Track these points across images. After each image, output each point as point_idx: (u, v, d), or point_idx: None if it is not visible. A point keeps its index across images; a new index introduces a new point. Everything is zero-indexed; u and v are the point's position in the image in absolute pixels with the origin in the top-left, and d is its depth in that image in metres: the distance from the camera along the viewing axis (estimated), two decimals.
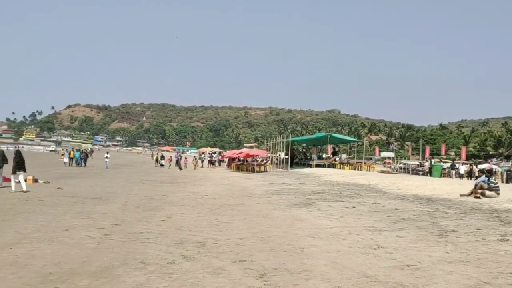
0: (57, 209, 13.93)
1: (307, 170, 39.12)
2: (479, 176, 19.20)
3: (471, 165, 49.24)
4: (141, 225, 11.34)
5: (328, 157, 48.81)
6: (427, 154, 78.38)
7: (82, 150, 55.90)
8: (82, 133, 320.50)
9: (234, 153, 57.86)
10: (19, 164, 19.50)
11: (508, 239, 9.34)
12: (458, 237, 9.67)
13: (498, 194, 16.88)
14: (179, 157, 54.70)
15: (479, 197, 16.58)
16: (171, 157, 56.94)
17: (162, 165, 55.49)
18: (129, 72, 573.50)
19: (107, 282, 6.38)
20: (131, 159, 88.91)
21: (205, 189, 23.10)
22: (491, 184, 17.30)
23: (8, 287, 6.13)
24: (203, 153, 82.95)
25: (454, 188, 20.06)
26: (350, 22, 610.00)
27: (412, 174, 49.82)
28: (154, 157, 63.56)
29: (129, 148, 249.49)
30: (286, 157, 45.78)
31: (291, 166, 43.62)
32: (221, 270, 7.03)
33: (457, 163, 54.02)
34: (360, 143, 63.50)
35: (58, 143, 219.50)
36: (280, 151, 53.06)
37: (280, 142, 54.28)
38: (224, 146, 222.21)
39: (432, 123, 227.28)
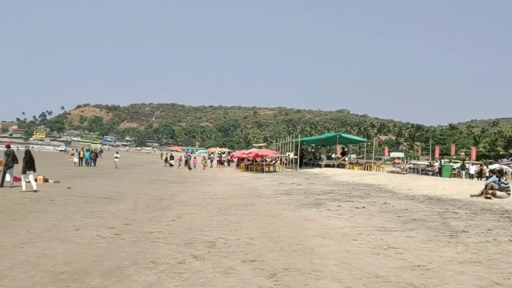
0: (68, 209, 13.98)
1: (316, 170, 39.08)
2: (490, 177, 19.14)
3: (481, 165, 49.07)
4: (151, 224, 11.36)
5: (337, 157, 48.73)
6: (436, 155, 78.09)
7: (92, 150, 56.05)
8: (92, 133, 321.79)
9: (243, 153, 57.90)
10: (29, 164, 19.60)
11: None
12: (469, 238, 9.63)
13: (509, 194, 16.80)
14: (188, 157, 54.78)
15: (489, 198, 16.50)
16: (180, 157, 57.01)
17: (171, 165, 55.62)
18: (139, 72, 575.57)
19: (118, 282, 6.40)
20: (140, 159, 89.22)
21: (215, 189, 23.12)
22: (501, 184, 17.22)
23: (20, 286, 6.15)
24: (212, 153, 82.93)
25: (465, 188, 19.96)
26: (359, 22, 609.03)
27: (422, 174, 49.68)
28: (163, 157, 63.72)
29: (139, 148, 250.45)
30: (295, 157, 45.73)
31: (300, 166, 43.58)
32: (232, 270, 7.03)
33: (467, 163, 53.78)
34: (369, 143, 63.42)
35: (67, 143, 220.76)
36: (289, 151, 53.01)
37: (289, 142, 54.20)
38: (233, 146, 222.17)
39: (442, 123, 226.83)
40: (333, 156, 50.12)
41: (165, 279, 6.56)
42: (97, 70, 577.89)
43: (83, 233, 9.91)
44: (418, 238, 9.69)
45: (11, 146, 23.73)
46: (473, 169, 44.69)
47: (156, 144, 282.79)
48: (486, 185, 17.52)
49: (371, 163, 47.11)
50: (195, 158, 60.40)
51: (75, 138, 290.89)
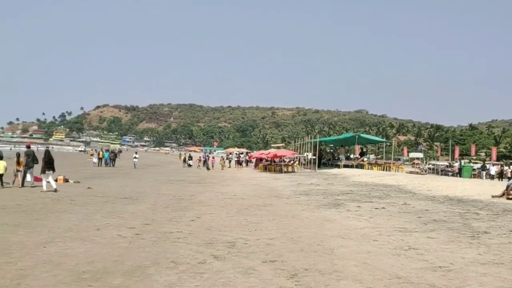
0: (88, 209, 14.10)
1: (335, 170, 38.99)
2: (511, 177, 18.92)
3: (502, 166, 48.53)
4: (171, 225, 11.42)
5: (356, 157, 48.56)
6: (456, 155, 77.43)
7: (111, 151, 56.40)
8: (111, 133, 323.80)
9: (261, 154, 57.88)
10: (48, 164, 19.81)
11: None
12: (491, 239, 9.54)
13: None
14: (206, 158, 54.90)
15: (511, 199, 16.33)
16: (200, 157, 57.18)
17: (190, 165, 55.70)
18: (157, 73, 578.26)
19: (139, 281, 6.44)
20: (159, 159, 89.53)
21: (233, 190, 23.16)
22: None
23: (43, 285, 6.21)
24: (230, 153, 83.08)
25: (485, 189, 19.78)
26: (378, 23, 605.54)
27: (441, 175, 49.26)
28: (182, 158, 63.85)
29: (157, 148, 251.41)
30: (314, 157, 45.63)
31: (318, 166, 43.49)
32: (252, 270, 7.04)
33: (487, 163, 53.25)
34: (388, 144, 62.98)
35: (87, 144, 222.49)
36: (307, 152, 52.92)
37: (307, 142, 54.12)
38: (251, 146, 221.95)
39: (462, 123, 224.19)
40: (351, 156, 49.94)
41: (186, 279, 6.59)
42: (116, 70, 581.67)
43: (104, 233, 9.99)
44: (439, 239, 9.63)
45: (31, 146, 23.97)
46: (493, 170, 44.15)
47: (174, 145, 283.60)
48: (508, 186, 17.35)
49: (390, 163, 46.87)
50: (213, 158, 60.46)
51: (94, 139, 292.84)
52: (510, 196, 16.48)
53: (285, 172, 41.41)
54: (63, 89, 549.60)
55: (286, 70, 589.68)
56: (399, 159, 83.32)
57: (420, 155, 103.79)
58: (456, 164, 55.45)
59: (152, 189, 22.10)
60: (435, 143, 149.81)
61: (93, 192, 19.67)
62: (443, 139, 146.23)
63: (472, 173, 45.12)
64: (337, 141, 57.22)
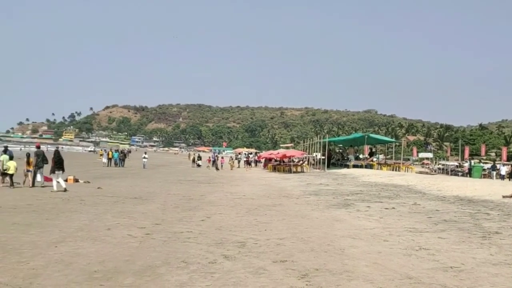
0: (98, 209, 14.16)
1: (344, 170, 38.94)
2: None
3: None
4: (181, 224, 11.44)
5: (365, 157, 48.46)
6: (466, 155, 77.02)
7: (121, 151, 56.56)
8: (120, 133, 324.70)
9: (270, 154, 57.88)
10: (58, 164, 19.92)
11: None
12: (502, 239, 9.51)
13: None
14: (215, 158, 54.95)
15: None
16: (209, 157, 57.27)
17: (199, 165, 55.79)
18: (166, 73, 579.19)
19: (150, 281, 6.46)
20: (168, 159, 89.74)
21: (243, 190, 23.18)
22: None
23: (55, 284, 6.25)
24: (239, 153, 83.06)
25: (496, 189, 19.68)
26: (388, 22, 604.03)
27: (451, 175, 49.05)
28: (191, 158, 63.95)
29: (166, 148, 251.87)
30: (323, 157, 45.57)
31: (328, 166, 43.45)
32: (263, 270, 7.05)
33: (498, 163, 52.94)
34: (397, 144, 62.76)
35: (96, 144, 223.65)
36: (316, 152, 52.86)
37: (316, 142, 54.05)
38: (260, 146, 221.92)
39: (472, 123, 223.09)
40: (361, 156, 49.84)
41: (197, 278, 6.61)
42: (125, 71, 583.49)
43: (115, 233, 10.03)
44: (450, 239, 9.59)
45: (41, 146, 24.10)
46: (504, 170, 43.85)
47: (183, 145, 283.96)
48: None
49: (399, 163, 46.72)
50: (222, 158, 60.52)
51: (104, 139, 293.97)
52: None
53: (294, 172, 41.41)
54: (73, 90, 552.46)
55: (295, 70, 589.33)
56: (409, 159, 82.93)
57: (430, 155, 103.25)
58: (466, 164, 55.14)
59: (161, 189, 22.17)
60: (445, 143, 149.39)
61: (103, 192, 19.76)
62: (452, 139, 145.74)
63: (482, 173, 44.85)
64: (346, 141, 57.13)
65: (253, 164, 61.53)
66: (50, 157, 21.08)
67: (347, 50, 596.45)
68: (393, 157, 54.18)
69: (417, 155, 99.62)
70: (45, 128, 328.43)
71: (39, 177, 21.31)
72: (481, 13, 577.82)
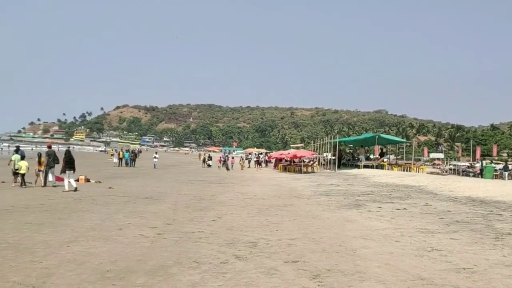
0: (110, 208, 14.22)
1: (355, 171, 38.82)
2: None
3: None
4: (193, 224, 11.47)
5: (376, 158, 48.29)
6: (478, 155, 76.56)
7: (131, 151, 56.71)
8: (130, 133, 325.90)
9: (281, 154, 57.84)
10: (69, 164, 20.04)
11: None
12: None
13: None
14: (226, 158, 54.97)
15: None
16: (220, 158, 57.33)
17: (209, 165, 55.78)
18: (176, 73, 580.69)
19: (163, 281, 6.49)
20: (178, 159, 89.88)
21: (253, 190, 23.18)
22: None
23: (68, 283, 6.28)
24: (249, 153, 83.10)
25: (508, 190, 19.52)
26: (398, 22, 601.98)
27: (462, 175, 48.77)
28: (201, 158, 64.01)
29: (176, 148, 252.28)
30: (333, 158, 45.45)
31: (338, 167, 43.34)
32: (274, 271, 7.04)
33: (510, 164, 52.59)
34: (408, 144, 62.45)
35: (107, 144, 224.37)
36: (327, 152, 52.74)
37: (326, 143, 53.96)
38: (270, 146, 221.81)
39: (483, 124, 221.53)
40: (371, 157, 49.67)
41: (209, 278, 6.62)
42: (136, 71, 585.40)
43: (126, 233, 10.07)
44: (462, 240, 9.54)
45: (52, 146, 24.24)
46: None
47: (193, 145, 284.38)
48: None
49: (410, 164, 46.53)
50: (232, 158, 60.55)
51: (114, 139, 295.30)
52: None
53: (304, 172, 41.37)
54: (84, 90, 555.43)
55: (305, 70, 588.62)
56: (420, 160, 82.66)
57: (441, 155, 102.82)
58: (478, 165, 54.82)
59: (172, 189, 22.22)
60: (456, 144, 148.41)
61: (114, 192, 19.84)
62: (464, 140, 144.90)
63: (494, 173, 44.54)
64: (356, 142, 56.95)
65: (263, 164, 61.48)
66: (61, 157, 21.20)
67: (358, 50, 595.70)
68: (404, 158, 53.79)
69: (428, 156, 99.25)
70: (56, 128, 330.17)
71: (50, 177, 21.45)
72: (490, 13, 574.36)
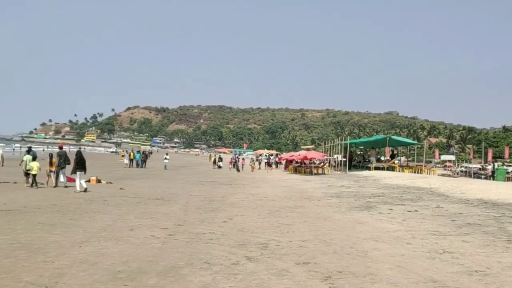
0: (121, 209, 14.28)
1: (365, 172, 38.70)
2: None
3: None
4: (203, 226, 11.49)
5: (387, 159, 48.12)
6: (489, 157, 76.10)
7: (142, 152, 56.85)
8: (141, 134, 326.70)
9: (291, 155, 57.79)
10: (79, 164, 20.17)
11: None
12: None
13: None
14: (236, 159, 54.99)
15: None
16: (231, 159, 57.37)
17: (219, 167, 55.79)
18: (187, 75, 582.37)
19: (174, 281, 6.51)
20: (188, 160, 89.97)
21: (264, 191, 23.17)
22: None
23: (80, 283, 6.32)
24: (260, 155, 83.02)
25: None
26: (410, 25, 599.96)
27: (474, 177, 48.50)
28: (212, 159, 64.06)
29: (187, 149, 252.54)
30: (344, 159, 45.34)
31: (349, 168, 43.21)
32: (286, 272, 7.05)
33: None
34: (419, 146, 62.11)
35: (118, 145, 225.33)
36: (337, 154, 52.61)
37: (337, 144, 53.83)
38: (281, 148, 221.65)
39: (495, 125, 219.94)
40: (382, 158, 49.50)
41: (220, 279, 6.64)
42: (147, 72, 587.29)
43: (138, 233, 10.11)
44: (474, 242, 9.49)
45: (64, 147, 24.38)
46: None
47: (204, 146, 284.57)
48: None
49: (421, 166, 46.34)
50: (243, 159, 60.59)
51: (125, 140, 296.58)
52: None
53: (315, 174, 41.33)
54: (95, 91, 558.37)
55: (316, 71, 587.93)
56: (431, 162, 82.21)
57: (452, 157, 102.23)
58: (490, 167, 54.48)
59: (183, 190, 22.26)
60: (468, 146, 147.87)
61: (125, 192, 19.90)
62: (475, 141, 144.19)
63: (506, 176, 44.26)
64: (367, 143, 56.77)
65: (274, 166, 61.45)
66: (72, 157, 21.31)
67: (369, 51, 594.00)
68: (415, 159, 53.55)
69: (439, 158, 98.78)
70: (67, 129, 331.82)
71: (61, 178, 21.56)
72: (499, 13, 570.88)
